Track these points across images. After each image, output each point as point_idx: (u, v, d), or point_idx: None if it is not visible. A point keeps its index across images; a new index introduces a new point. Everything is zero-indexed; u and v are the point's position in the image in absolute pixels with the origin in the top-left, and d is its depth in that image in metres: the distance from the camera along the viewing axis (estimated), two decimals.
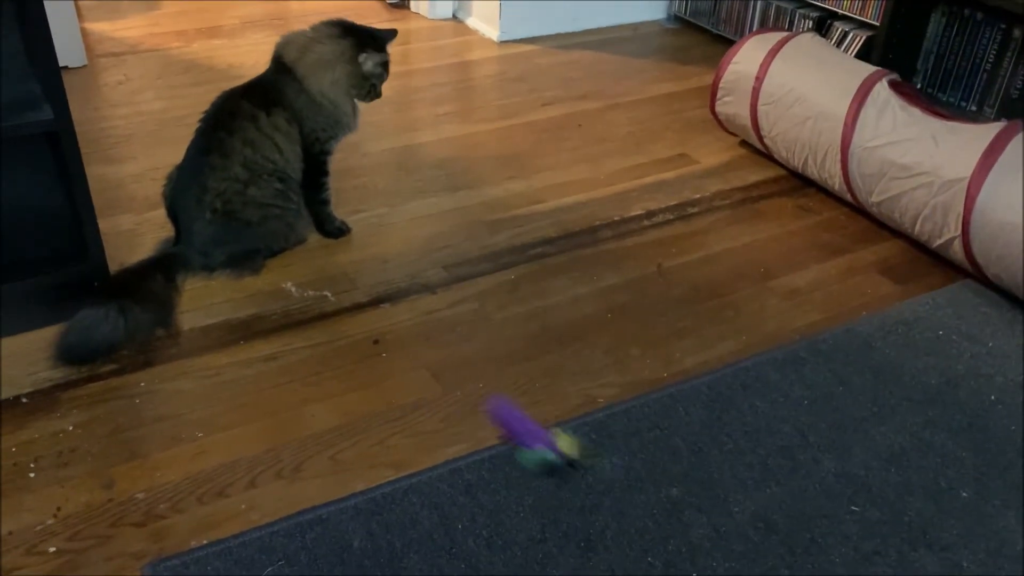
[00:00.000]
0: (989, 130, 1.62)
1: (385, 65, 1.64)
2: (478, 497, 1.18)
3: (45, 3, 1.30)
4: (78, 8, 2.80)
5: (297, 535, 1.11)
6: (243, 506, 1.16)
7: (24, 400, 1.32)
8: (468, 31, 2.83)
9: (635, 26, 2.93)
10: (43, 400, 1.32)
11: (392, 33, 1.65)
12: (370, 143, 2.11)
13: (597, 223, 1.84)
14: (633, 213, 1.88)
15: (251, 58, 2.49)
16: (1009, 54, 2.08)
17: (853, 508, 1.19)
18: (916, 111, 1.73)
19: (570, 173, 2.02)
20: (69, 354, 1.36)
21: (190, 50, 2.57)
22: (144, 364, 1.40)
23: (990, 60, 2.13)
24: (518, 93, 2.42)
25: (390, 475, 1.22)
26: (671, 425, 1.31)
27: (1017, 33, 2.05)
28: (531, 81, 2.49)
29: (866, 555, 1.12)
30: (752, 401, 1.37)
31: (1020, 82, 2.07)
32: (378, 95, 1.66)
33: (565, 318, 1.55)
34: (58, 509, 1.15)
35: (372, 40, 1.61)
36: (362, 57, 1.59)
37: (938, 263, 1.74)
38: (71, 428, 1.27)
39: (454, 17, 2.93)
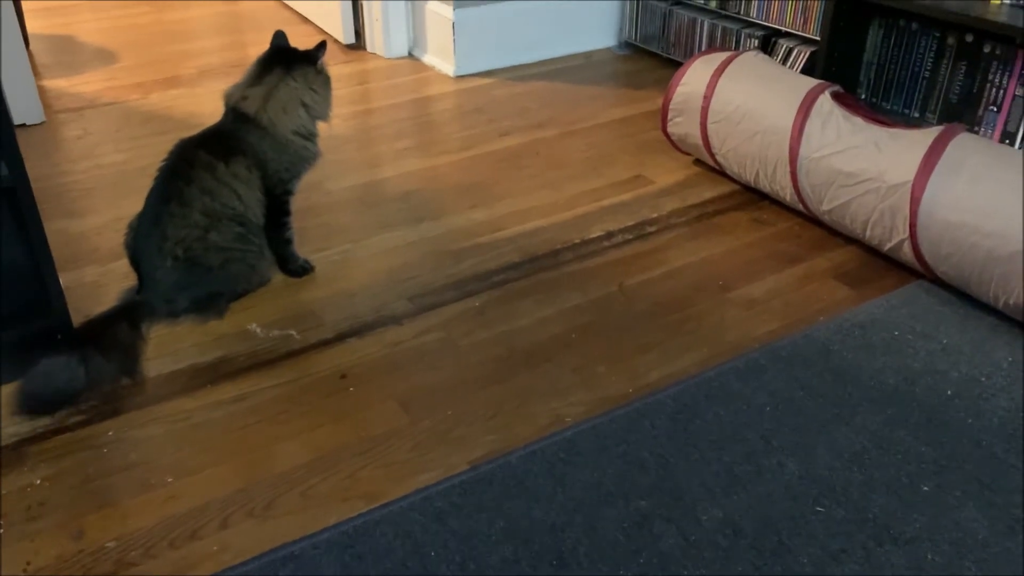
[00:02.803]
0: (929, 134, 1.68)
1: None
2: (449, 523, 1.18)
3: None
4: (34, 66, 2.82)
5: (270, 573, 1.11)
6: (216, 547, 1.16)
7: None
8: (424, 68, 2.88)
9: (587, 54, 2.99)
10: (10, 455, 1.31)
11: (282, 33, 1.75)
12: (332, 181, 2.14)
13: (559, 246, 1.87)
14: (593, 235, 1.91)
15: (210, 106, 2.51)
16: (945, 61, 2.16)
17: (818, 508, 1.21)
18: (859, 120, 1.79)
19: (530, 199, 2.06)
20: (28, 404, 1.36)
21: (148, 101, 2.60)
22: (112, 413, 1.40)
23: (928, 67, 2.20)
24: (476, 125, 2.46)
25: (362, 507, 1.22)
26: (638, 439, 1.33)
27: (951, 40, 2.13)
28: (488, 113, 2.54)
29: (833, 554, 1.14)
30: (716, 410, 1.39)
31: (958, 87, 2.15)
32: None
33: (531, 340, 1.57)
34: (28, 564, 1.14)
35: (307, 53, 1.70)
36: (319, 65, 1.68)
37: (891, 266, 1.78)
38: (39, 481, 1.27)
39: (410, 55, 2.98)
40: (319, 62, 1.68)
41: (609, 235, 1.91)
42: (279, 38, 1.72)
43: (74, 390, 1.37)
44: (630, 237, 1.91)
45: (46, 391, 1.35)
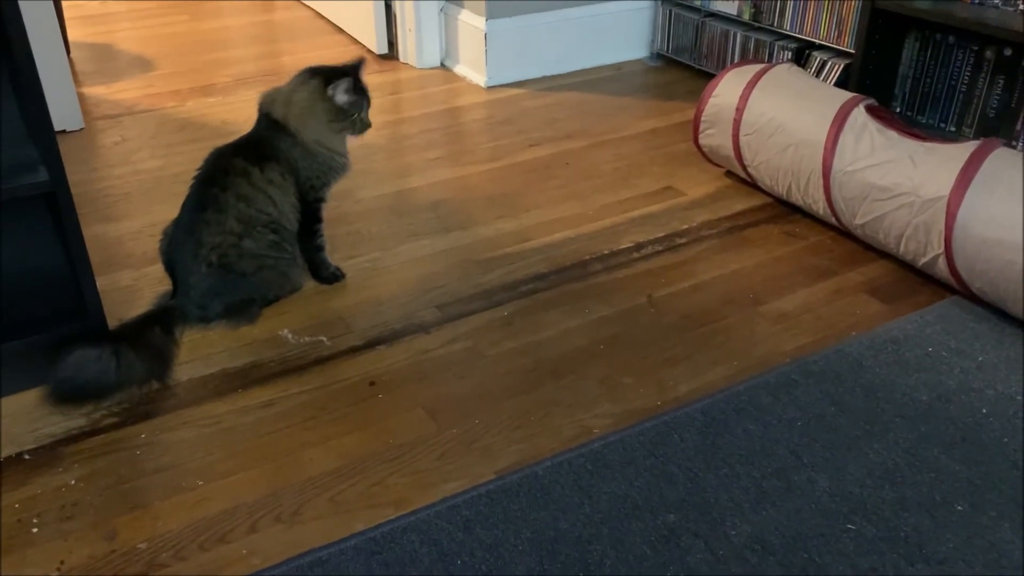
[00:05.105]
0: (965, 148, 1.65)
1: (359, 91, 1.65)
2: (476, 532, 1.18)
3: (42, 70, 1.35)
4: (75, 73, 2.88)
5: None
6: (244, 551, 1.18)
7: (27, 456, 1.33)
8: (456, 78, 2.90)
9: (618, 66, 2.99)
10: (45, 456, 1.34)
11: (359, 63, 1.68)
12: (363, 190, 2.15)
13: (587, 257, 1.87)
14: (622, 246, 1.91)
15: (244, 114, 2.55)
16: (983, 75, 2.13)
17: (849, 526, 1.19)
18: (893, 134, 1.77)
19: (559, 210, 2.06)
20: (59, 392, 1.38)
21: (185, 109, 2.64)
22: (144, 415, 1.42)
23: (965, 81, 2.17)
24: (506, 135, 2.47)
25: (389, 514, 1.23)
26: (666, 452, 1.32)
27: (989, 54, 2.10)
28: (518, 123, 2.54)
29: (863, 572, 1.12)
30: (746, 425, 1.38)
31: (996, 101, 2.12)
32: (365, 124, 1.69)
33: (558, 351, 1.57)
34: (61, 563, 1.16)
35: (336, 72, 1.65)
36: (330, 90, 1.62)
37: (924, 281, 1.76)
38: (73, 482, 1.29)
39: (442, 65, 3.00)
40: (330, 86, 1.61)
41: (638, 246, 1.91)
42: (357, 61, 1.68)
43: (105, 383, 1.39)
44: (659, 249, 1.90)
45: (77, 380, 1.38)
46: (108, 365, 1.39)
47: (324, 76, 1.63)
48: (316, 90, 1.62)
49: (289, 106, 1.64)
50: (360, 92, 1.66)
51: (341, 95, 1.62)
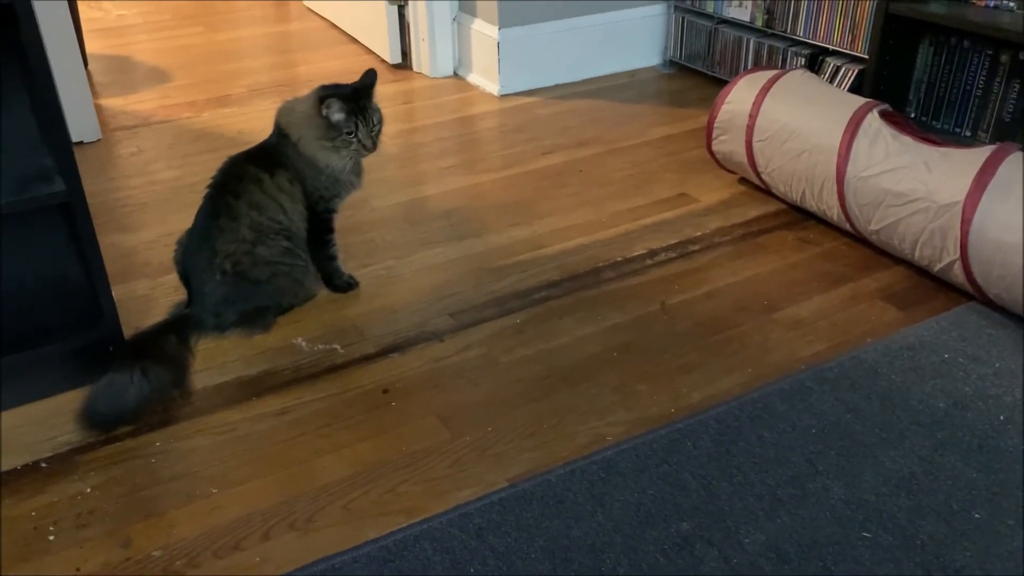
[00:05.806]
0: (980, 153, 1.64)
1: (355, 112, 1.61)
2: (489, 540, 1.18)
3: (59, 81, 1.36)
4: (92, 86, 2.91)
5: None
6: (258, 559, 1.18)
7: (43, 465, 1.35)
8: (469, 87, 2.91)
9: (631, 73, 2.99)
10: (61, 464, 1.35)
11: (368, 77, 1.65)
12: (377, 198, 2.16)
13: (600, 264, 1.87)
14: (635, 253, 1.91)
15: (259, 124, 2.57)
16: (998, 79, 2.11)
17: (865, 534, 1.18)
18: (907, 139, 1.76)
19: (572, 217, 2.06)
20: (99, 420, 1.39)
21: (200, 120, 2.66)
22: (159, 424, 1.43)
23: (980, 86, 2.16)
24: (519, 143, 2.47)
25: (402, 522, 1.23)
26: (680, 460, 1.32)
27: (1004, 58, 2.09)
28: (531, 131, 2.55)
29: None
30: (760, 432, 1.37)
31: (1012, 106, 2.10)
32: (365, 146, 1.64)
33: (571, 358, 1.57)
34: (77, 570, 1.17)
35: (336, 89, 1.62)
36: (324, 108, 1.59)
37: (940, 287, 1.75)
38: (89, 490, 1.30)
39: (455, 74, 3.01)
40: (323, 103, 1.58)
41: (651, 253, 1.90)
42: (367, 76, 1.66)
43: (140, 404, 1.41)
44: (673, 256, 1.89)
45: (116, 406, 1.39)
46: (142, 387, 1.40)
47: (322, 92, 1.61)
48: (314, 104, 1.62)
49: (292, 115, 1.65)
50: (356, 112, 1.61)
51: (336, 113, 1.60)
